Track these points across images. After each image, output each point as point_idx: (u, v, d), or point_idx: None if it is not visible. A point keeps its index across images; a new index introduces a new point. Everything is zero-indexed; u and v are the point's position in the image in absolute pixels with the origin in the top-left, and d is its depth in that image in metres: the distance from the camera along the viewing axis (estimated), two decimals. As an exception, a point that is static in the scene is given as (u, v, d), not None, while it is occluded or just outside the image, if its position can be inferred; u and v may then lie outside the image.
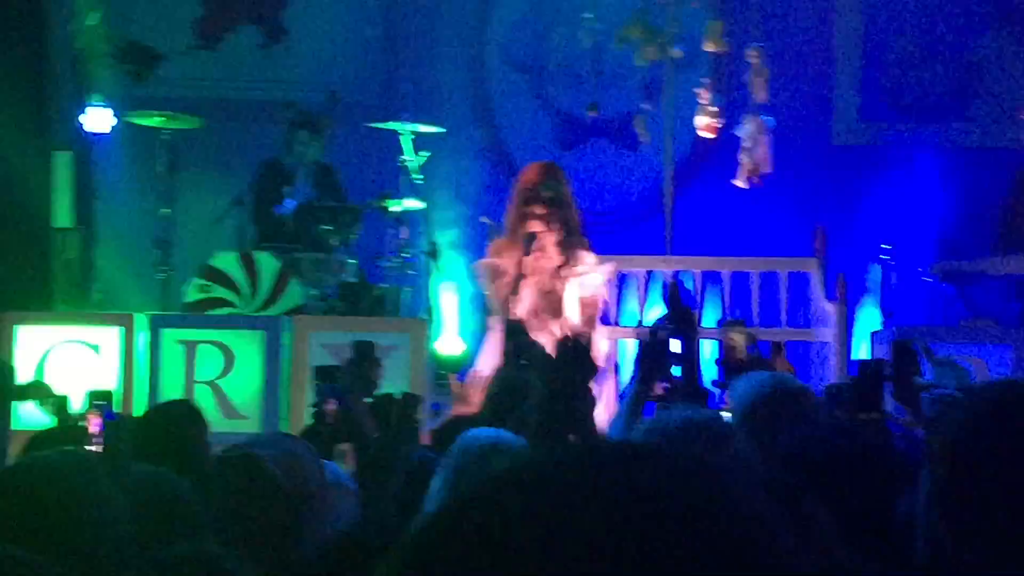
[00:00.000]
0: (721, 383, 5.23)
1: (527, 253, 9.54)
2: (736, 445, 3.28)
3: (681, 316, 5.06)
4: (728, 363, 6.13)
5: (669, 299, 4.88)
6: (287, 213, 11.19)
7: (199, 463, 4.77)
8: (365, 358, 6.27)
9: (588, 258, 9.76)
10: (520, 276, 9.52)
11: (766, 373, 4.35)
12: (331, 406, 5.78)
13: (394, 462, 5.25)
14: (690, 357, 4.77)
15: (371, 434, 5.28)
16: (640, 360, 4.65)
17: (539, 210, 9.66)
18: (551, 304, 9.54)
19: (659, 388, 4.48)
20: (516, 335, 5.38)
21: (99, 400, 4.56)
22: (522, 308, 9.30)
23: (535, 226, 9.56)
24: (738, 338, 5.90)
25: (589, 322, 9.26)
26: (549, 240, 9.62)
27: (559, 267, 9.61)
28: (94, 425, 4.33)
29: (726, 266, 11.55)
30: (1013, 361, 9.54)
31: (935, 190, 12.40)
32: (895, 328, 10.04)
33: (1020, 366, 9.45)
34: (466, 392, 8.35)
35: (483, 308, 10.72)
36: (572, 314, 9.30)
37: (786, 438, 3.20)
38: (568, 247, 9.65)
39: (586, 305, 9.48)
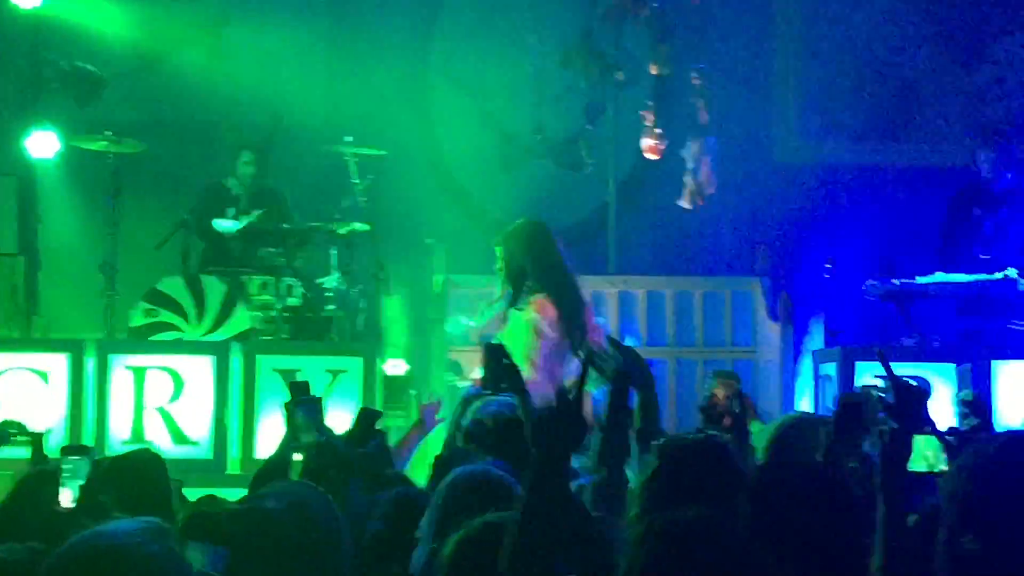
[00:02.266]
0: (699, 430, 5.27)
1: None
2: None
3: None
4: (709, 412, 6.19)
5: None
6: (228, 231, 11.17)
7: (169, 510, 4.80)
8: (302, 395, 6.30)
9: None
10: None
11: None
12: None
13: (350, 462, 5.30)
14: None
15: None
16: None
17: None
18: None
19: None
20: (496, 359, 5.41)
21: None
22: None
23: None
24: (720, 392, 5.96)
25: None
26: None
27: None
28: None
29: (670, 286, 11.66)
30: (957, 377, 9.67)
31: (876, 208, 12.55)
32: (838, 348, 10.14)
33: (963, 383, 9.58)
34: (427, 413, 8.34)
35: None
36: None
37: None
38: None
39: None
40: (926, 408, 3.50)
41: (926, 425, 3.40)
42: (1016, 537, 2.35)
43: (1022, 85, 12.48)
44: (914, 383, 3.67)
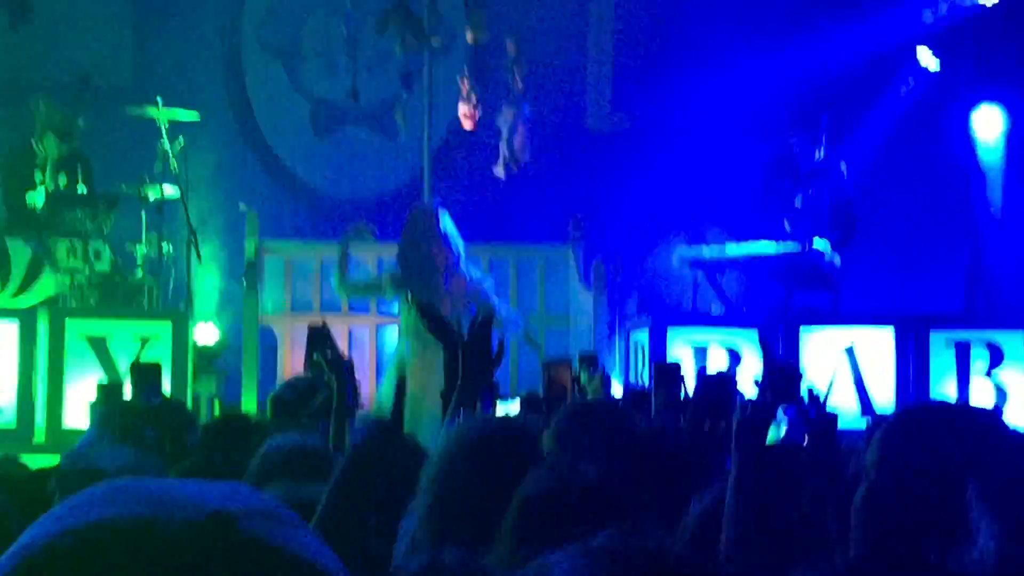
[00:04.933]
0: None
1: None
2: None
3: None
4: (551, 396, 6.18)
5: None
6: (38, 201, 10.93)
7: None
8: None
9: None
10: None
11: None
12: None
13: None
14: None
15: None
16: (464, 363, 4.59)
17: None
18: None
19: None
20: (320, 342, 5.32)
21: None
22: None
23: None
24: (564, 373, 5.95)
25: None
26: None
27: None
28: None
29: (484, 253, 11.68)
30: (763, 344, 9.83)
31: (688, 178, 12.71)
32: (647, 316, 10.26)
33: (771, 350, 9.74)
34: None
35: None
36: None
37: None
38: None
39: None
40: (798, 388, 3.55)
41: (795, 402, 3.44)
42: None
43: (836, 68, 12.72)
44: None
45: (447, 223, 9.83)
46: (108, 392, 5.33)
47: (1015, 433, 2.77)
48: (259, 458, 3.99)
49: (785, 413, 3.40)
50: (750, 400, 3.44)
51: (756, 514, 3.16)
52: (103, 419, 5.16)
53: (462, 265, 9.91)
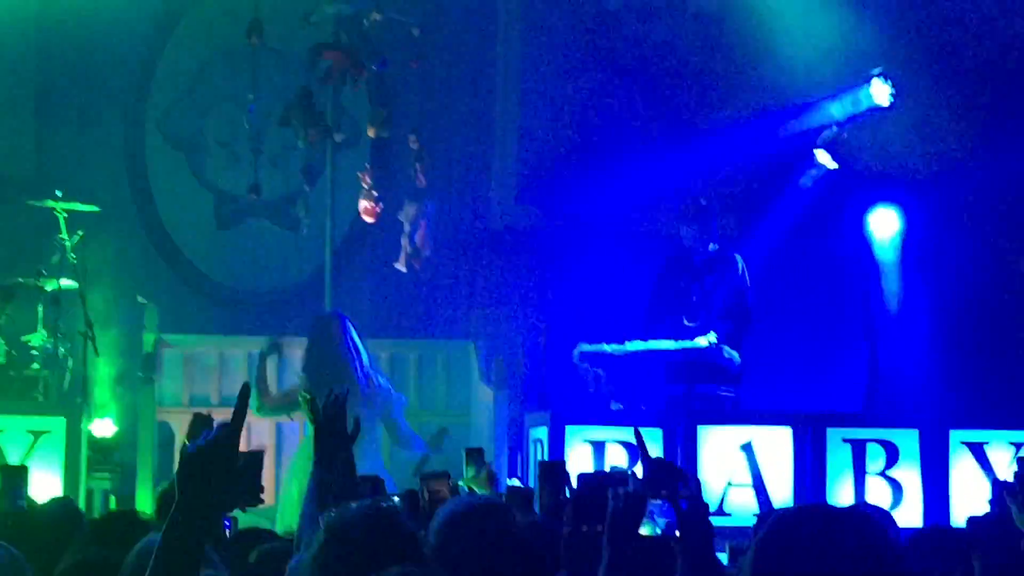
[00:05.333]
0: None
1: None
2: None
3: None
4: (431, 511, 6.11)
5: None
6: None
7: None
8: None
9: None
10: None
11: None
12: None
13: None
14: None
15: None
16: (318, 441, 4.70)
17: None
18: None
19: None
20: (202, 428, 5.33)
21: None
22: None
23: None
24: (443, 486, 5.90)
25: None
26: None
27: None
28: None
29: (384, 349, 11.65)
30: (664, 441, 9.84)
31: (590, 275, 12.76)
32: (548, 412, 10.24)
33: (670, 447, 9.76)
34: None
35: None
36: None
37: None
38: None
39: None
40: (676, 482, 3.54)
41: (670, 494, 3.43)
42: None
43: (725, 158, 12.85)
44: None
45: (351, 330, 10.06)
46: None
47: (891, 541, 2.78)
48: (134, 555, 3.93)
49: (660, 504, 3.39)
50: (624, 490, 3.44)
51: None
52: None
53: (370, 371, 10.11)
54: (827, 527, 2.73)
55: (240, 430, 2.93)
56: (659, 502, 3.33)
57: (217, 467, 2.84)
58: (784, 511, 2.83)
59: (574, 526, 4.03)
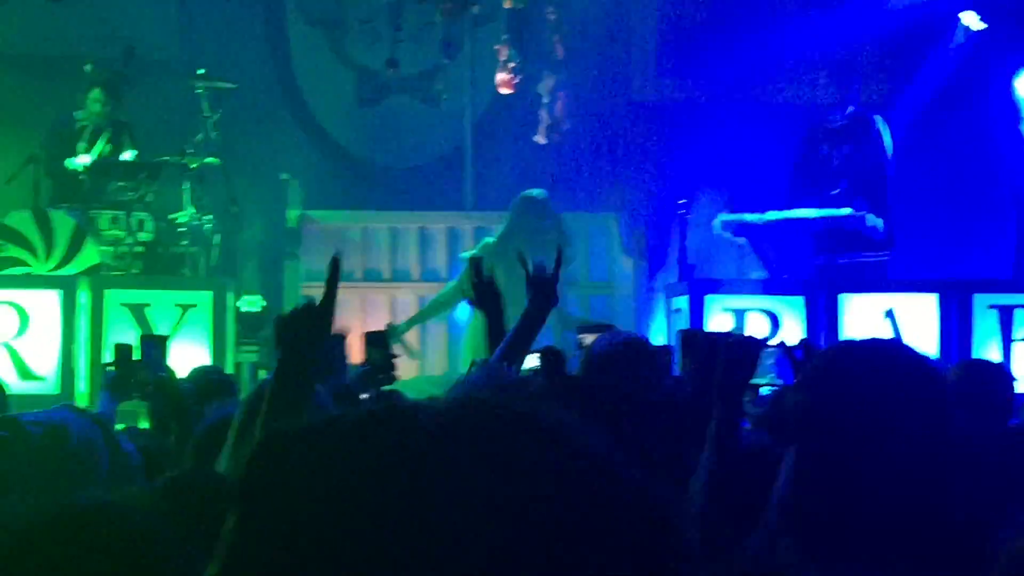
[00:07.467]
0: None
1: None
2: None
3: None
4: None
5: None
6: (80, 168, 10.98)
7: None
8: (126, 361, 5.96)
9: None
10: None
11: None
12: None
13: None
14: None
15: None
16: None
17: None
18: None
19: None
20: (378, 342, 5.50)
21: None
22: None
23: None
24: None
25: None
26: None
27: None
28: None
29: (527, 221, 11.65)
30: (806, 310, 9.77)
31: (730, 145, 12.62)
32: (687, 283, 10.21)
33: (813, 317, 9.70)
34: None
35: None
36: None
37: None
38: None
39: None
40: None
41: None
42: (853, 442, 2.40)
43: (869, 21, 12.58)
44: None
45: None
46: (121, 355, 5.31)
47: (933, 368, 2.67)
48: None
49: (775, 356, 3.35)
50: (734, 335, 3.39)
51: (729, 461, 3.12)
52: (115, 383, 5.18)
53: None
54: (872, 356, 2.64)
55: (334, 298, 3.28)
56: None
57: (312, 330, 3.16)
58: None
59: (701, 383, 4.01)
